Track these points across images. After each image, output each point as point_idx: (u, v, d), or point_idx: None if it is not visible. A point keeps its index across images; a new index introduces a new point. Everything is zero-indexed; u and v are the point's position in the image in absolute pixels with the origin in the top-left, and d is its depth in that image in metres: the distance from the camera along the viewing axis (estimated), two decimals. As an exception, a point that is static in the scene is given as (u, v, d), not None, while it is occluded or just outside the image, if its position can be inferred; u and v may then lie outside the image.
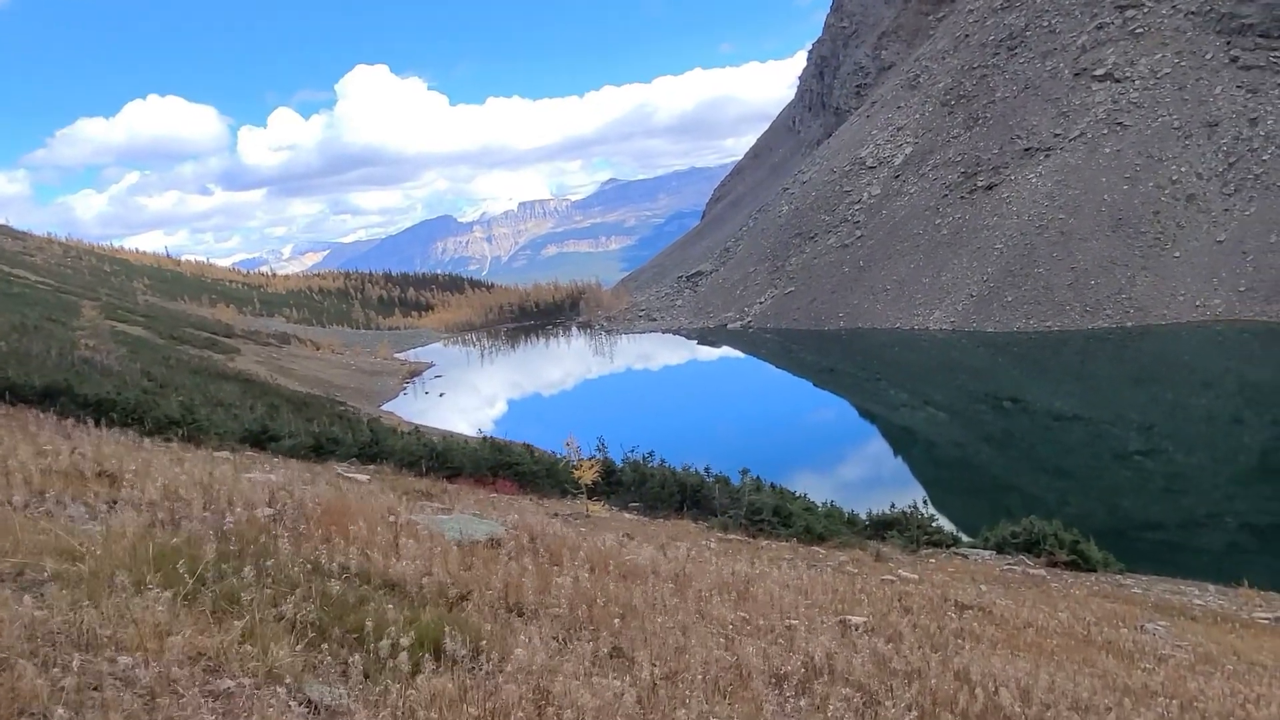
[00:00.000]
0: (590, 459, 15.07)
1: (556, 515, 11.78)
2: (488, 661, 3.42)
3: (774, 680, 4.13)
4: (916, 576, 10.83)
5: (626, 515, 14.72)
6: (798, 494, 18.04)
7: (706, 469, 17.55)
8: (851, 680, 4.30)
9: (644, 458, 17.84)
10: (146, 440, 13.51)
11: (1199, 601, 14.60)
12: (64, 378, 19.37)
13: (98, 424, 14.82)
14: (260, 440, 22.63)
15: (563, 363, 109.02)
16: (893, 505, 17.87)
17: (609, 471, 16.75)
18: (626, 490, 16.49)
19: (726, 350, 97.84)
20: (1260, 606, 15.03)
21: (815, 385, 79.87)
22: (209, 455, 12.41)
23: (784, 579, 7.34)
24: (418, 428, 25.44)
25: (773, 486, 17.70)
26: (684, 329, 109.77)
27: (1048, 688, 4.77)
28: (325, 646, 3.33)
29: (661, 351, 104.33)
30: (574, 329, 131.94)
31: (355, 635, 3.42)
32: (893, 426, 62.52)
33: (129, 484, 5.38)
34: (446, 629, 3.46)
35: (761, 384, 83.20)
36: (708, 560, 7.59)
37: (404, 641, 3.28)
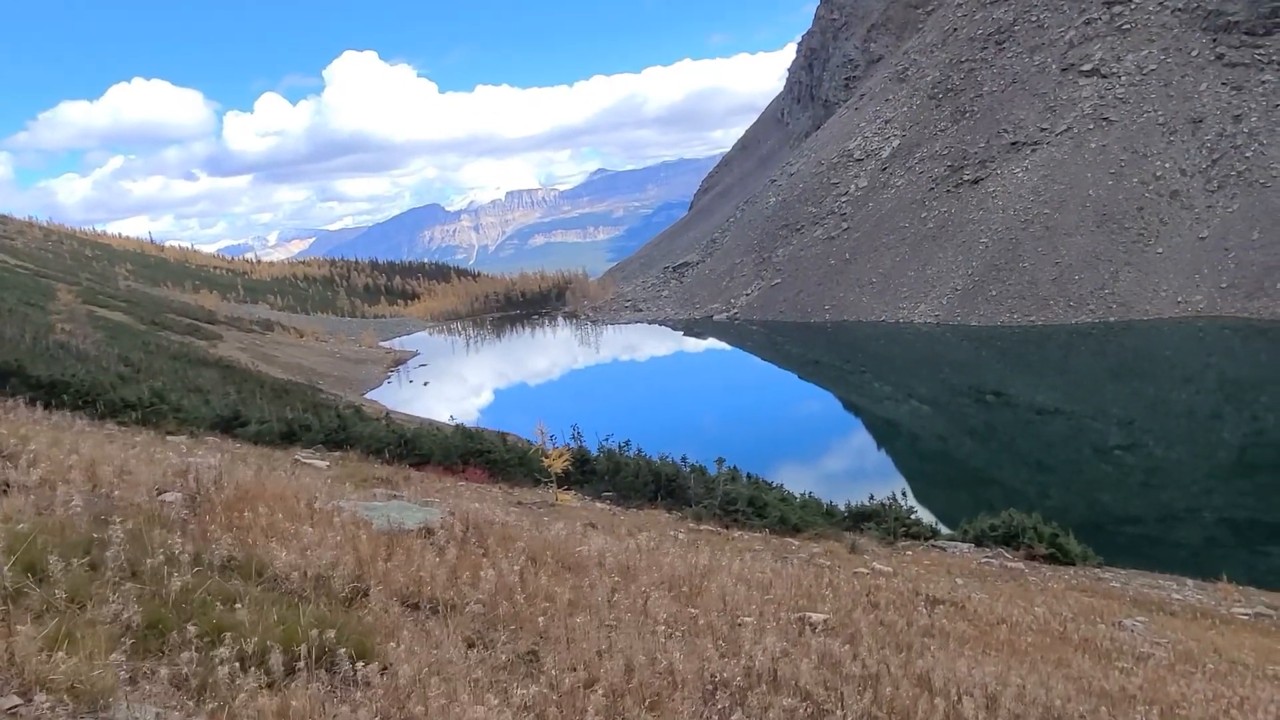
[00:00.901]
0: (561, 447, 14.67)
1: (520, 504, 11.40)
2: (359, 670, 3.01)
3: (709, 688, 3.73)
4: (891, 569, 10.51)
5: (598, 505, 14.35)
6: (774, 485, 17.70)
7: (684, 458, 17.21)
8: (798, 688, 3.86)
9: (620, 446, 17.47)
10: (84, 423, 12.97)
11: (1177, 596, 14.40)
12: (15, 359, 18.80)
13: (47, 407, 14.27)
14: (230, 426, 22.17)
15: (548, 352, 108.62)
16: (871, 497, 17.60)
17: (583, 460, 16.38)
18: (600, 480, 16.12)
19: (713, 342, 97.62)
20: (1239, 602, 14.85)
21: (801, 378, 79.86)
22: (159, 440, 11.93)
23: (745, 572, 6.95)
24: (389, 414, 24.91)
25: (750, 477, 17.34)
26: (670, 320, 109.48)
27: (1017, 695, 4.34)
28: (159, 654, 2.91)
29: (647, 342, 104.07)
30: (560, 319, 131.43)
31: (207, 640, 2.99)
32: (877, 419, 62.59)
33: (18, 467, 4.93)
34: (313, 632, 3.04)
35: (747, 376, 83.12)
36: (665, 552, 7.20)
37: (247, 648, 2.85)
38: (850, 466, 49.74)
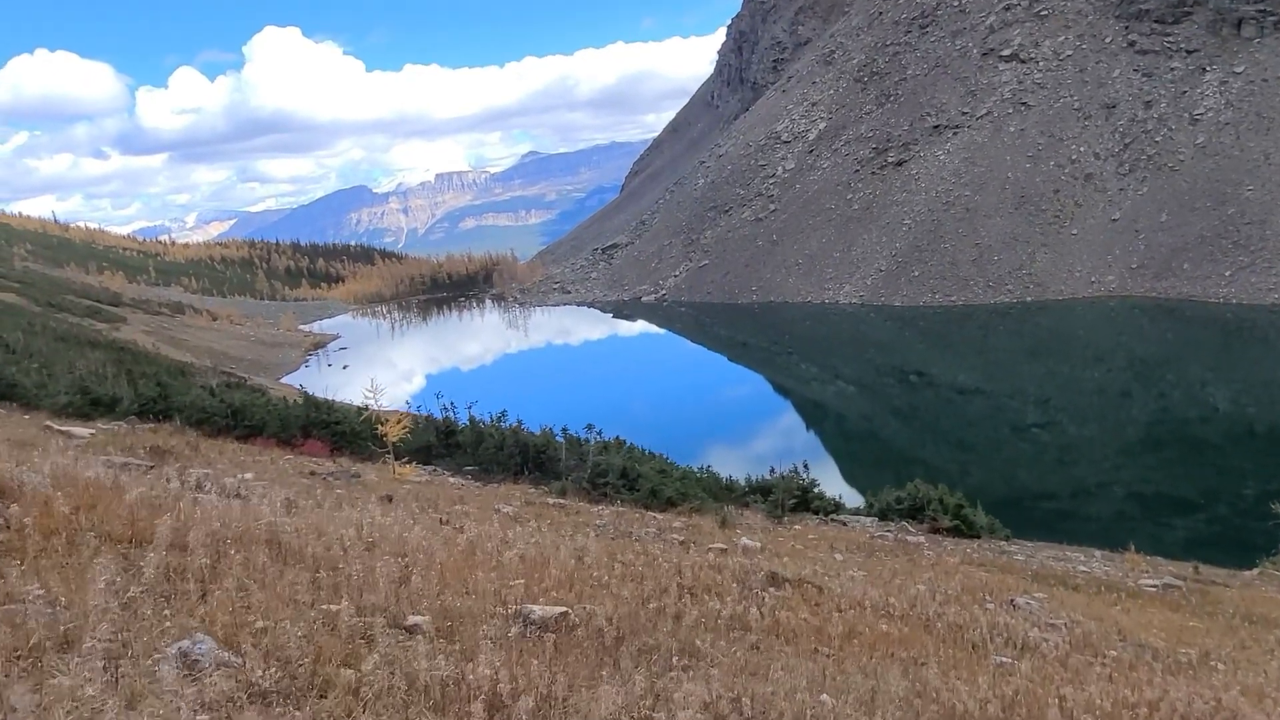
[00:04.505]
0: (398, 413, 13.19)
1: (314, 474, 9.94)
2: None
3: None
4: (759, 545, 9.37)
5: (451, 480, 12.92)
6: (655, 455, 16.55)
7: (564, 429, 15.90)
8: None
9: (496, 418, 16.02)
10: None
11: (1083, 569, 13.70)
12: None
13: None
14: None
15: (476, 336, 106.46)
16: (772, 470, 16.60)
17: (449, 432, 14.94)
18: (463, 452, 14.72)
19: (643, 324, 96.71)
20: (1146, 573, 14.24)
21: (730, 359, 79.54)
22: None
23: (505, 551, 5.54)
24: (214, 388, 22.39)
25: (627, 446, 16.13)
26: (598, 302, 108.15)
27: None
28: None
29: (577, 325, 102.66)
30: (487, 301, 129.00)
31: None
32: (805, 400, 62.58)
33: None
34: None
35: (678, 359, 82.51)
36: (410, 528, 5.68)
37: None
38: (778, 447, 49.29)
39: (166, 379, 20.66)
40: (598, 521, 10.03)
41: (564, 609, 4.20)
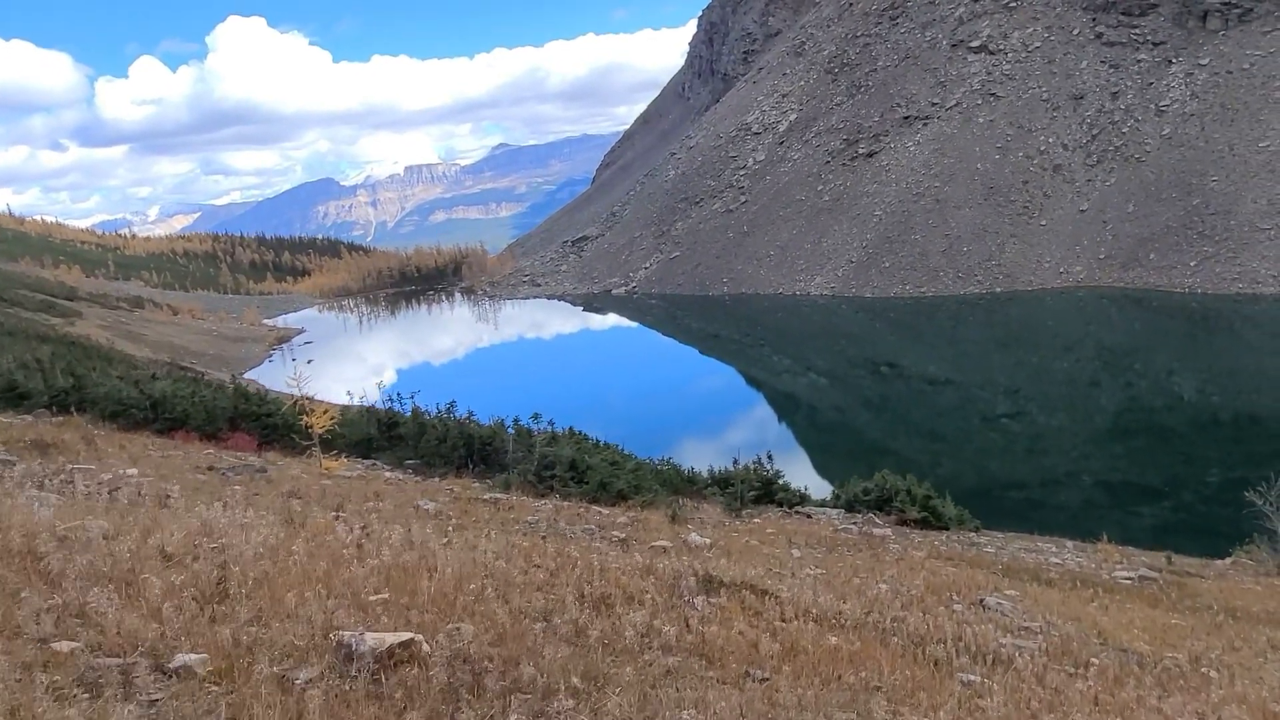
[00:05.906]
0: (325, 405, 12.38)
1: (213, 468, 9.13)
2: None
3: None
4: (707, 542, 8.66)
5: (388, 474, 12.09)
6: (608, 445, 15.83)
7: (515, 420, 15.12)
8: None
9: (446, 409, 15.19)
10: None
11: (1056, 560, 13.16)
12: None
13: None
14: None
15: (444, 330, 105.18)
16: (736, 461, 15.96)
17: (392, 424, 14.14)
18: (406, 444, 13.92)
19: (614, 318, 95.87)
20: (1121, 564, 13.75)
21: (701, 352, 79.02)
22: None
23: (377, 554, 4.76)
24: (136, 379, 21.02)
25: (583, 439, 15.38)
26: (569, 294, 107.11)
27: None
28: None
29: (548, 319, 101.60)
30: (457, 294, 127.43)
31: None
32: (776, 392, 62.26)
33: None
34: None
35: (649, 351, 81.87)
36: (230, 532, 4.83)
37: None
38: (749, 439, 48.75)
39: (82, 370, 19.52)
40: (530, 518, 9.26)
41: (410, 635, 3.32)
